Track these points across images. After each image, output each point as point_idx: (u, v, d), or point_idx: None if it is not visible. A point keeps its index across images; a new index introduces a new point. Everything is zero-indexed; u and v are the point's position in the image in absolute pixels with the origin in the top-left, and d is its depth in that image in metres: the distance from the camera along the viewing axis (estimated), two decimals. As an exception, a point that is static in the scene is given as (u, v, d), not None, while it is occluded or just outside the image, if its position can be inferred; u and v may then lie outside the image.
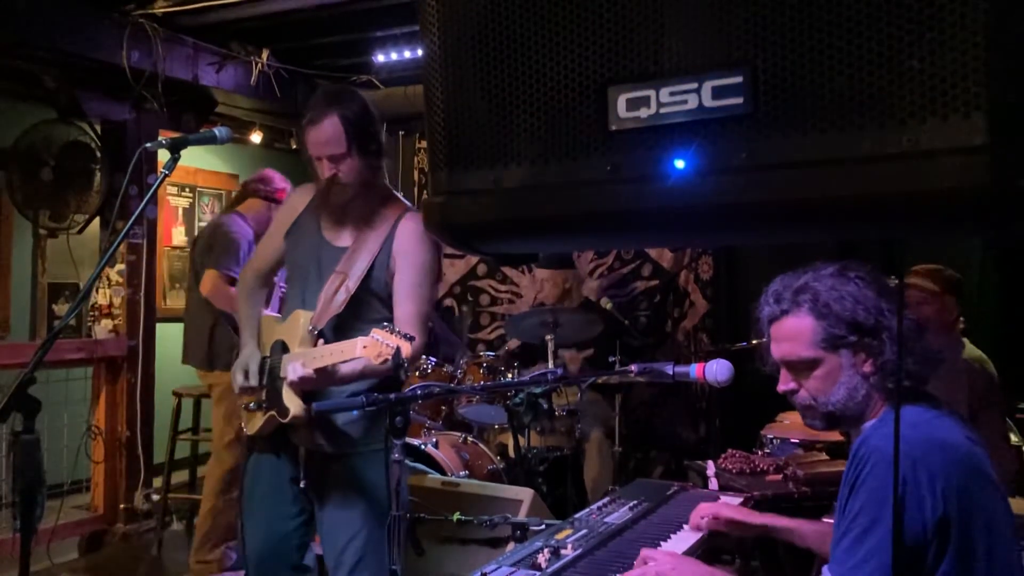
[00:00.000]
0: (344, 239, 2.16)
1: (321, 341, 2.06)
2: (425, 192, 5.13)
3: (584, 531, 1.77)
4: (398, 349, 1.78)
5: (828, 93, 0.68)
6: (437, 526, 2.46)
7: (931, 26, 0.64)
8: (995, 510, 1.32)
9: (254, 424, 2.19)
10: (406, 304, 2.11)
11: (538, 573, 1.53)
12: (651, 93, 0.76)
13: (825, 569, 1.33)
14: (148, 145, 1.89)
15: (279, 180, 3.56)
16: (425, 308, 2.14)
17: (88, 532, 4.04)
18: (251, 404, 2.20)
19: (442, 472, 3.05)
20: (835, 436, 2.65)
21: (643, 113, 0.76)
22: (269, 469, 2.22)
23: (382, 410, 1.69)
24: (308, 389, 2.06)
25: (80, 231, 4.20)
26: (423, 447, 3.16)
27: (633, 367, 1.89)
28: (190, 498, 4.31)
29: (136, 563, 3.92)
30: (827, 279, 1.42)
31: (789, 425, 2.96)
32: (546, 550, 1.60)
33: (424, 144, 5.01)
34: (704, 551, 1.76)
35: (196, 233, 5.91)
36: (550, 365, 3.47)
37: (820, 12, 0.68)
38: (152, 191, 1.88)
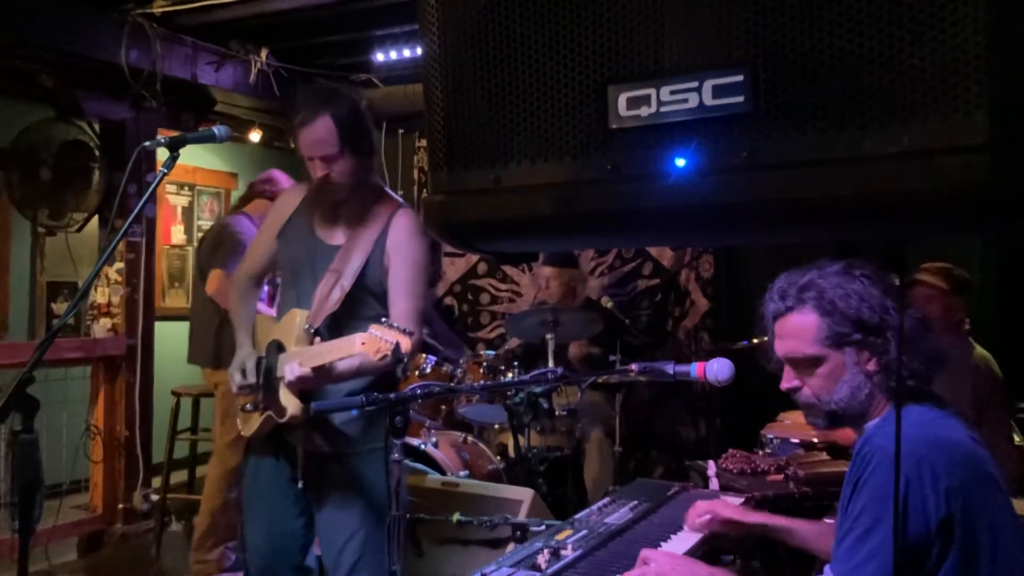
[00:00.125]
0: (337, 237, 2.16)
1: (317, 339, 2.06)
2: (425, 191, 5.14)
3: (584, 532, 1.76)
4: (397, 344, 1.78)
5: (829, 92, 0.68)
6: (437, 526, 2.46)
7: (932, 25, 0.64)
8: (998, 510, 1.32)
9: (251, 425, 2.18)
10: (402, 300, 2.11)
11: (538, 574, 1.53)
12: (652, 92, 0.75)
13: (827, 568, 1.33)
14: (147, 144, 1.88)
15: (285, 181, 3.57)
16: (421, 304, 2.15)
17: (87, 532, 4.03)
18: (248, 405, 2.20)
19: (442, 472, 3.05)
20: (836, 437, 2.65)
21: (643, 112, 0.76)
22: (268, 470, 2.21)
23: (380, 409, 1.69)
24: (307, 388, 2.06)
25: (79, 230, 4.20)
26: (423, 447, 3.16)
27: (633, 366, 1.88)
28: (189, 498, 4.31)
29: (135, 563, 3.92)
30: (832, 277, 1.42)
31: (790, 425, 2.96)
32: (546, 551, 1.60)
33: (424, 143, 5.01)
34: (704, 551, 1.76)
35: (195, 232, 5.92)
36: (550, 364, 3.47)
37: (821, 11, 0.68)
38: (151, 189, 1.87)
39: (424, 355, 3.69)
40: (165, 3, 3.78)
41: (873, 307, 1.39)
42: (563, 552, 1.61)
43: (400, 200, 2.24)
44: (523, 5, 0.81)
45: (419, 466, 3.00)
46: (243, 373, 2.17)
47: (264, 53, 4.35)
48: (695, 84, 0.74)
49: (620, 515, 1.91)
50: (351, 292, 2.09)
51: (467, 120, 0.85)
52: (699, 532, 1.79)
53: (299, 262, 2.19)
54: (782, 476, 2.41)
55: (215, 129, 1.93)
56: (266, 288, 3.06)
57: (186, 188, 5.86)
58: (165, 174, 1.78)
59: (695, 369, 1.77)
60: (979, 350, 2.86)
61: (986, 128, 0.63)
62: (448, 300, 5.17)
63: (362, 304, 2.13)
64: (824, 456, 2.59)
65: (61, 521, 3.72)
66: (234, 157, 6.06)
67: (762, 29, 0.70)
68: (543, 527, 1.81)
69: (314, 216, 2.19)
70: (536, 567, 1.55)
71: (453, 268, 5.16)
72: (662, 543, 1.75)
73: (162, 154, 1.88)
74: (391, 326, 1.82)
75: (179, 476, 4.44)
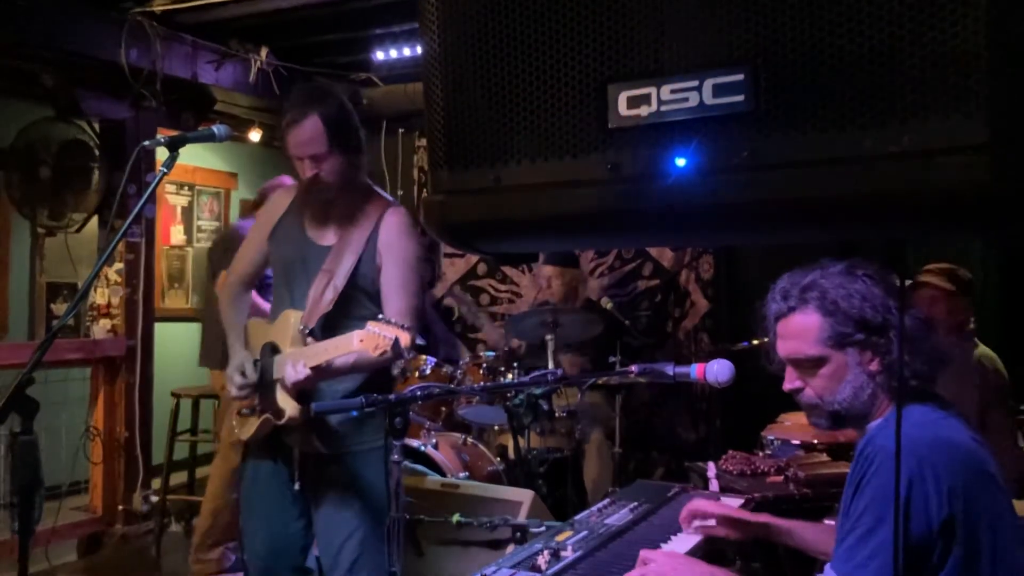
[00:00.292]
0: (328, 238, 2.17)
1: (311, 340, 2.06)
2: (425, 191, 5.14)
3: (584, 533, 1.76)
4: (397, 339, 1.78)
5: (829, 92, 0.68)
6: (437, 527, 2.45)
7: (932, 25, 0.64)
8: (1000, 511, 1.32)
9: (248, 429, 2.18)
10: (396, 298, 2.12)
11: (538, 575, 1.53)
12: (652, 91, 0.75)
13: (828, 567, 1.33)
14: (147, 143, 1.88)
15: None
16: (415, 301, 2.15)
17: (87, 533, 4.03)
18: (244, 409, 2.20)
19: (442, 473, 3.05)
20: (836, 437, 2.65)
21: (644, 111, 0.76)
22: (266, 473, 2.22)
23: (378, 410, 1.69)
24: (306, 387, 2.05)
25: (78, 230, 4.19)
26: (423, 448, 3.16)
27: (633, 367, 1.88)
28: (189, 499, 4.31)
29: (135, 564, 3.92)
30: (835, 277, 1.42)
31: (790, 426, 2.95)
32: (546, 552, 1.60)
33: (424, 142, 5.01)
34: (705, 553, 1.75)
35: (195, 232, 5.92)
36: (550, 365, 3.46)
37: (821, 10, 0.68)
38: (151, 189, 1.87)
39: (424, 356, 3.69)
40: (165, 2, 3.78)
41: (876, 307, 1.39)
42: (563, 553, 1.61)
43: (390, 198, 2.25)
44: (523, 4, 0.81)
45: (419, 467, 3.00)
46: (242, 375, 2.17)
47: (264, 52, 4.35)
48: (695, 83, 0.74)
49: (620, 516, 1.91)
50: (344, 291, 2.09)
51: (467, 119, 0.85)
52: (695, 534, 1.78)
53: (291, 263, 2.19)
54: (782, 477, 2.41)
55: (215, 128, 1.93)
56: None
57: (186, 188, 5.86)
58: (165, 174, 1.78)
59: (695, 370, 1.77)
60: (983, 349, 2.86)
61: (986, 128, 0.63)
62: (448, 301, 5.17)
63: (355, 303, 2.13)
64: (824, 457, 2.59)
65: (61, 522, 3.72)
66: (234, 157, 6.06)
67: (762, 28, 0.70)
68: (543, 528, 1.81)
69: (304, 217, 2.20)
70: (536, 568, 1.55)
71: (453, 269, 5.16)
72: (662, 544, 1.75)
73: (162, 154, 1.87)
74: (388, 322, 1.83)
75: (179, 477, 4.44)
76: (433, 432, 3.38)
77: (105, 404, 4.10)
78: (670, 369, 1.81)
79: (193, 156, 5.71)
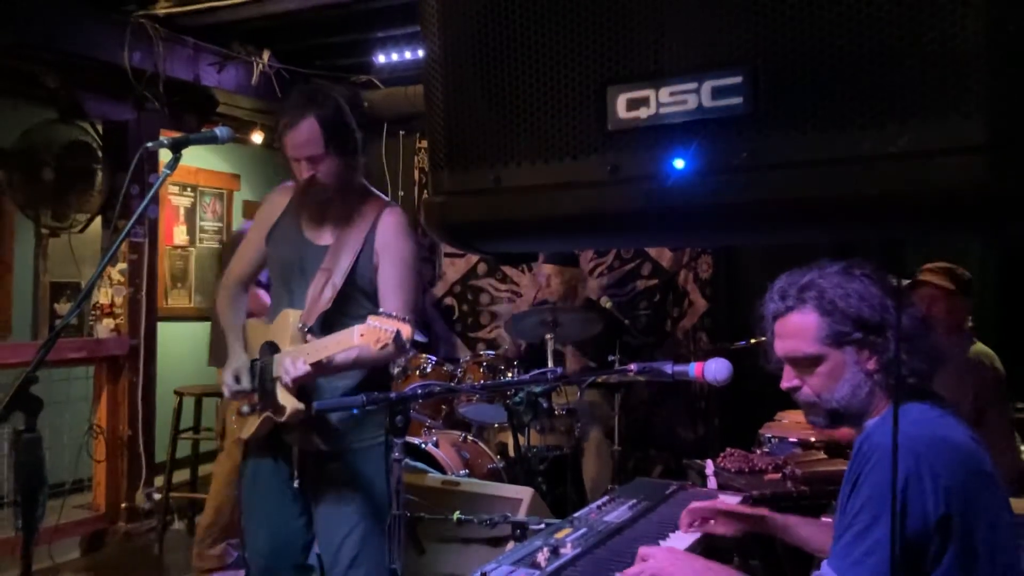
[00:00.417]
0: (325, 238, 2.18)
1: (311, 338, 2.08)
2: (426, 192, 5.14)
3: (584, 530, 1.77)
4: (398, 332, 1.79)
5: (828, 93, 0.68)
6: (437, 525, 2.46)
7: (931, 25, 0.64)
8: (997, 509, 1.33)
9: (248, 428, 2.19)
10: (394, 296, 2.13)
11: (538, 572, 1.53)
12: (651, 93, 0.76)
13: (825, 564, 1.34)
14: (149, 145, 1.89)
15: None
16: (412, 298, 2.17)
17: (90, 531, 4.04)
18: (244, 408, 2.21)
19: (442, 471, 3.06)
20: (834, 435, 2.65)
21: (643, 113, 0.76)
22: (267, 471, 2.22)
23: (378, 407, 1.69)
24: (307, 383, 2.06)
25: (82, 231, 4.20)
26: (423, 446, 3.16)
27: (632, 366, 1.89)
28: (192, 497, 4.32)
29: (138, 562, 3.93)
30: (833, 276, 1.43)
31: (788, 424, 2.96)
32: (546, 549, 1.60)
33: (425, 144, 5.02)
34: (703, 550, 1.76)
35: (198, 233, 5.93)
36: (550, 364, 3.47)
37: (820, 11, 0.68)
38: (153, 191, 1.88)
39: (424, 355, 3.70)
40: (167, 4, 3.79)
41: (873, 306, 1.39)
42: (562, 550, 1.62)
43: (386, 199, 2.26)
44: (523, 7, 0.81)
45: (420, 465, 3.01)
46: (236, 378, 2.18)
47: (266, 55, 4.35)
48: (694, 85, 0.74)
49: (619, 513, 1.91)
50: (342, 290, 2.11)
51: (468, 121, 0.86)
52: (694, 533, 1.79)
53: (289, 263, 2.21)
54: (780, 475, 2.41)
55: (217, 130, 1.94)
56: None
57: (189, 189, 5.87)
58: (168, 175, 1.79)
59: (693, 369, 1.78)
60: (981, 347, 2.86)
61: (985, 128, 0.63)
62: (448, 301, 5.18)
63: (353, 302, 2.15)
64: (822, 455, 2.59)
65: (64, 520, 3.73)
66: (236, 158, 6.07)
67: (761, 30, 0.71)
68: (542, 525, 1.82)
69: (301, 217, 2.22)
70: (536, 565, 1.56)
71: (453, 269, 5.17)
72: (661, 541, 1.75)
73: (164, 155, 1.88)
74: (389, 316, 1.84)
75: (182, 475, 4.44)
76: (434, 430, 3.39)
77: (108, 403, 4.11)
78: (669, 368, 1.82)
79: (196, 158, 5.72)
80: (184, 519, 4.33)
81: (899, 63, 0.65)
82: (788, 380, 1.49)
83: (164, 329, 4.49)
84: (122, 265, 4.16)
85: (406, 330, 1.81)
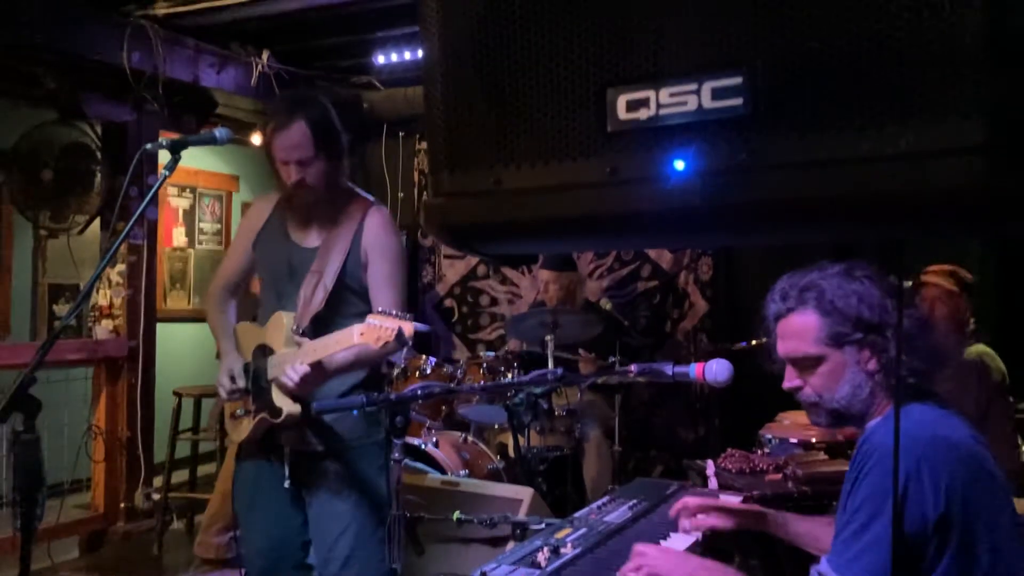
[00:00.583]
0: (313, 240, 2.21)
1: (305, 340, 2.08)
2: (425, 193, 5.14)
3: (584, 530, 1.77)
4: (400, 329, 1.80)
5: (828, 93, 0.68)
6: (437, 525, 2.46)
7: (930, 26, 0.64)
8: (999, 510, 1.33)
9: (241, 431, 2.20)
10: (384, 293, 2.15)
11: (538, 572, 1.53)
12: (651, 94, 0.76)
13: (823, 559, 1.34)
14: (149, 146, 1.90)
15: None
16: (402, 295, 2.19)
17: (88, 531, 4.04)
18: (238, 411, 2.21)
19: (442, 471, 3.06)
20: (835, 435, 2.65)
21: (643, 114, 0.76)
22: (262, 473, 2.23)
23: (378, 408, 1.70)
24: (308, 385, 2.06)
25: (81, 232, 4.20)
26: (423, 446, 3.16)
27: (633, 367, 1.89)
28: (191, 497, 4.32)
29: (137, 562, 3.93)
30: (833, 278, 1.44)
31: (788, 425, 2.96)
32: (546, 549, 1.60)
33: (424, 145, 5.02)
34: (704, 549, 1.76)
35: (197, 234, 5.92)
36: (550, 365, 3.47)
37: (819, 12, 0.68)
38: (153, 192, 1.88)
39: (424, 356, 3.70)
40: (167, 5, 3.79)
41: (873, 306, 1.40)
42: (563, 550, 1.62)
43: (371, 198, 2.28)
44: (523, 7, 0.81)
45: (420, 465, 3.01)
46: (231, 379, 2.18)
47: (265, 55, 4.35)
48: (694, 86, 0.74)
49: (619, 513, 1.91)
50: (334, 291, 2.13)
51: (467, 122, 0.86)
52: (692, 533, 1.79)
53: (277, 267, 2.23)
54: (780, 475, 2.41)
55: (216, 132, 1.95)
56: None
57: (188, 191, 5.87)
58: (167, 176, 1.79)
59: (694, 370, 1.78)
60: (982, 347, 2.87)
61: (984, 129, 0.63)
62: (448, 302, 5.18)
63: (345, 302, 2.17)
64: (822, 456, 2.60)
65: (63, 520, 3.73)
66: (235, 160, 6.07)
67: (760, 31, 0.71)
68: (543, 525, 1.82)
69: (288, 221, 2.24)
70: (536, 565, 1.56)
71: (453, 270, 5.17)
72: (661, 541, 1.75)
73: (164, 156, 1.89)
74: (389, 314, 1.85)
75: (180, 475, 4.45)
76: (434, 430, 3.39)
77: (107, 403, 4.11)
78: (669, 369, 1.82)
79: (195, 159, 5.72)
80: (183, 519, 4.33)
81: (899, 63, 0.65)
82: (790, 380, 1.50)
83: (163, 330, 4.49)
84: (121, 266, 4.16)
85: (408, 328, 1.82)
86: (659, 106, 0.75)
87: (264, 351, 2.18)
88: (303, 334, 2.10)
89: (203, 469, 4.60)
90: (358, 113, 4.90)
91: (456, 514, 1.97)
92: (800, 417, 2.87)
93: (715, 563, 1.55)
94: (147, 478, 4.19)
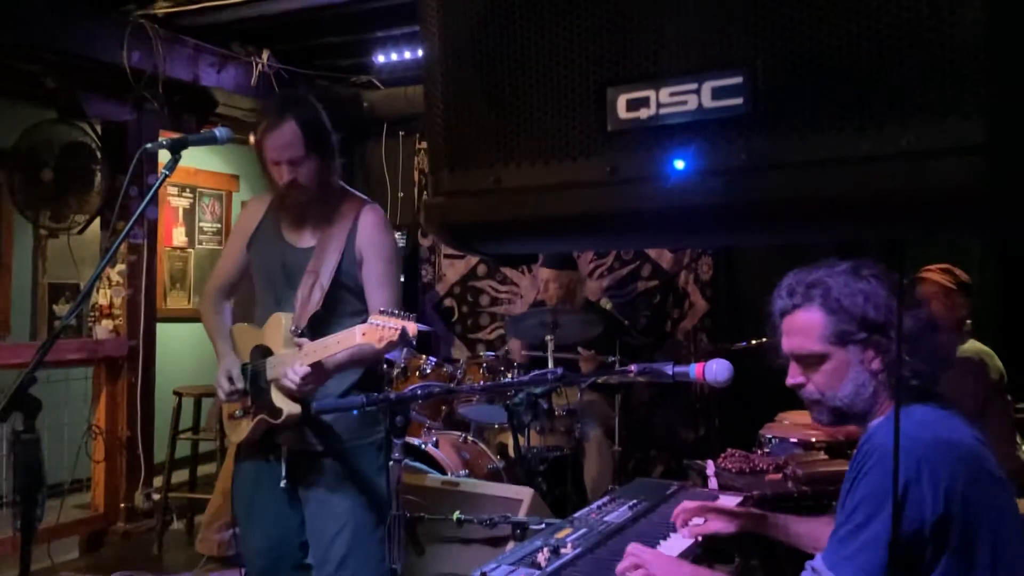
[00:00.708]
0: (307, 240, 2.21)
1: (304, 340, 2.08)
2: (425, 193, 5.14)
3: (584, 530, 1.77)
4: (404, 329, 1.81)
5: (828, 93, 0.68)
6: (437, 525, 2.46)
7: (931, 26, 0.64)
8: (1000, 511, 1.33)
9: (240, 432, 2.20)
10: (380, 292, 2.16)
11: (538, 572, 1.53)
12: (651, 94, 0.76)
13: (818, 556, 1.35)
14: (149, 146, 1.89)
15: None
16: (398, 294, 2.20)
17: (89, 531, 4.04)
18: (236, 412, 2.21)
19: (442, 471, 3.06)
20: (835, 435, 2.65)
21: (643, 114, 0.76)
22: (260, 473, 2.23)
23: (378, 408, 1.70)
24: (309, 385, 2.06)
25: (81, 231, 4.20)
26: (423, 446, 3.16)
27: (633, 367, 1.89)
28: (191, 497, 4.32)
29: (137, 562, 3.92)
30: (840, 275, 1.44)
31: (788, 425, 2.96)
32: (546, 549, 1.60)
33: (424, 145, 5.02)
34: (703, 551, 1.76)
35: (197, 234, 5.92)
36: (550, 365, 3.47)
37: (819, 12, 0.68)
38: (153, 191, 1.88)
39: (424, 356, 3.70)
40: (167, 4, 3.79)
41: (879, 306, 1.40)
42: (563, 550, 1.62)
43: (364, 197, 2.29)
44: (523, 7, 0.81)
45: (420, 465, 3.01)
46: (230, 380, 2.18)
47: (265, 55, 4.35)
48: (694, 86, 0.74)
49: (619, 514, 1.91)
50: (330, 291, 2.13)
51: (467, 122, 0.86)
52: (690, 536, 1.79)
53: (272, 268, 2.23)
54: (781, 475, 2.41)
55: (216, 131, 1.94)
56: None
57: (188, 190, 5.87)
58: (167, 176, 1.79)
59: (694, 370, 1.78)
60: (977, 345, 2.87)
61: (985, 129, 0.63)
62: (448, 302, 5.18)
63: (342, 302, 2.17)
64: (823, 456, 2.59)
65: (63, 520, 3.73)
66: (236, 159, 6.07)
67: (761, 30, 0.71)
68: (543, 525, 1.82)
69: (281, 222, 2.24)
70: (536, 565, 1.56)
71: (453, 270, 5.17)
72: (661, 541, 1.75)
73: (164, 156, 1.88)
74: (392, 314, 1.85)
75: (180, 475, 4.45)
76: (433, 430, 3.39)
77: (107, 403, 4.11)
78: (669, 369, 1.82)
79: (195, 158, 5.72)
80: (183, 519, 4.33)
81: (899, 63, 0.65)
82: (793, 377, 1.50)
83: (163, 330, 4.49)
84: (121, 266, 4.16)
85: (412, 327, 1.83)
86: (659, 105, 0.75)
87: (262, 352, 2.18)
88: (301, 335, 2.10)
89: (203, 469, 4.59)
90: (358, 112, 4.90)
91: (456, 514, 1.97)
92: (800, 417, 2.87)
93: (707, 570, 1.55)
94: (147, 478, 4.19)
